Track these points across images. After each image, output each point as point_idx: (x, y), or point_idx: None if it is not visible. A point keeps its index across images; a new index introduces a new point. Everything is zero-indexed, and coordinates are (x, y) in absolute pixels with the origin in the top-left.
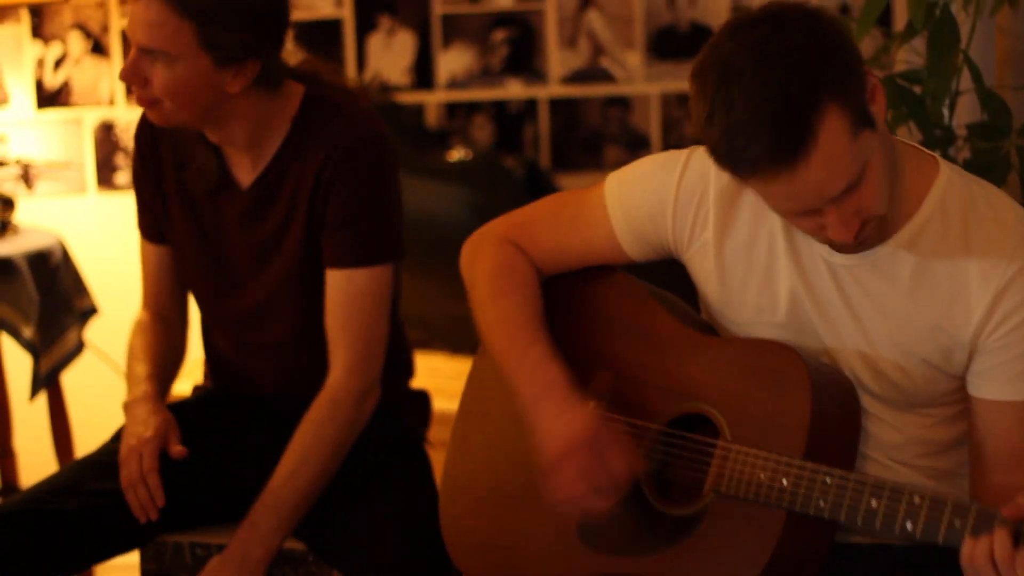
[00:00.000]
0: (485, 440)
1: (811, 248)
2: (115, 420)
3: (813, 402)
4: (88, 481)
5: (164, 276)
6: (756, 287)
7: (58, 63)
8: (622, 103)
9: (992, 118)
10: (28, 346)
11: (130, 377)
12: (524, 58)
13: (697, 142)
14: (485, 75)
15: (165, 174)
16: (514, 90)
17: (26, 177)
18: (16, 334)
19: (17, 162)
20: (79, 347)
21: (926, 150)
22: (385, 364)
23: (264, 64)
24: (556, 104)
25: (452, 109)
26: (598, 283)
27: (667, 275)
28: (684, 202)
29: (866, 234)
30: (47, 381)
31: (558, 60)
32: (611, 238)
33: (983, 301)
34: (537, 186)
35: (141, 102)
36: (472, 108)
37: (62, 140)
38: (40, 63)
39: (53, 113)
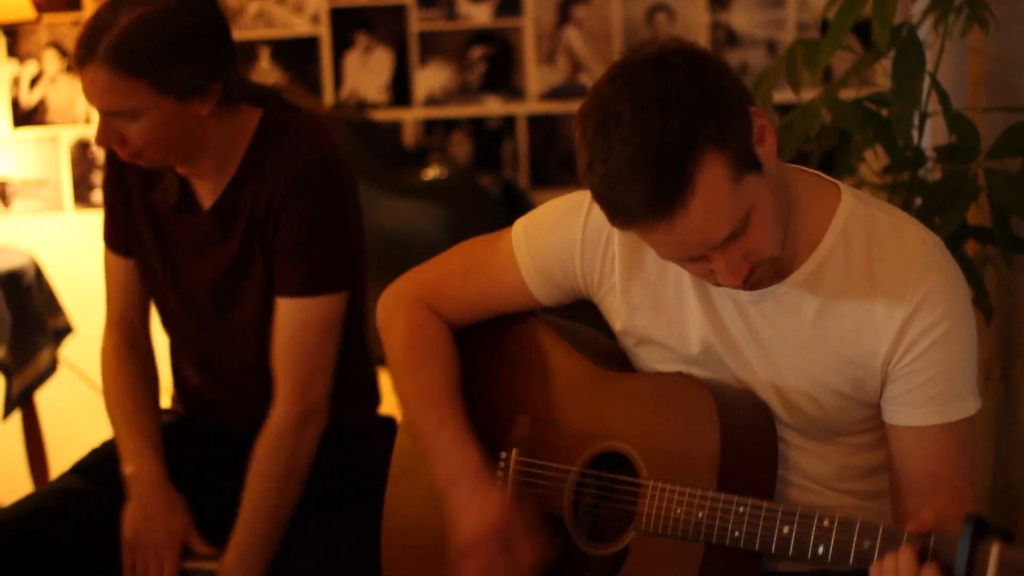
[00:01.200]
0: (419, 498)
1: (717, 287)
2: (90, 436)
3: (723, 434)
4: (41, 514)
5: (130, 289)
6: (666, 325)
7: (34, 82)
8: None
9: (960, 140)
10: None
11: (124, 441)
12: (502, 75)
13: None
14: (463, 92)
15: (132, 189)
16: (492, 107)
17: (2, 195)
18: None
19: None
20: (52, 367)
21: (828, 178)
22: (349, 391)
23: (224, 81)
24: (534, 121)
25: (430, 126)
26: (511, 328)
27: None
28: (591, 246)
29: (757, 277)
30: (19, 401)
31: (536, 77)
32: (521, 286)
33: (891, 330)
34: (513, 205)
35: (125, 158)
36: (450, 125)
37: (38, 158)
38: (15, 82)
39: (29, 131)
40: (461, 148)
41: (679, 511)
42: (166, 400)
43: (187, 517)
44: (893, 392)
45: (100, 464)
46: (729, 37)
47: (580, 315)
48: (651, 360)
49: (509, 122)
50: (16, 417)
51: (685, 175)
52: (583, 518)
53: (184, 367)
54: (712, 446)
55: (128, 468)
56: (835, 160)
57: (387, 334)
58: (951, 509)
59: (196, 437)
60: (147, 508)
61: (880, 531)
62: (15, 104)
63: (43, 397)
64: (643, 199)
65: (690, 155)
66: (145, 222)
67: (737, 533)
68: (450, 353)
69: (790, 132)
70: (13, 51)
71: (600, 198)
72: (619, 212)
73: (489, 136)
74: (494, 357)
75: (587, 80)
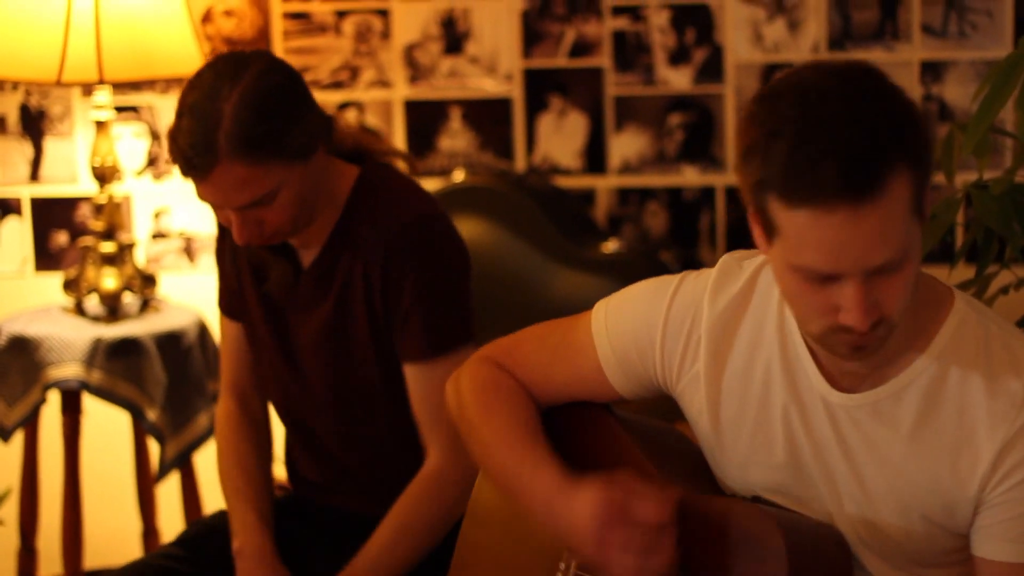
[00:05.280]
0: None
1: (809, 384)
2: None
3: (790, 572)
4: None
5: (243, 352)
6: (751, 423)
7: None
8: None
9: None
10: (151, 429)
11: (233, 510)
12: (701, 144)
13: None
14: (659, 161)
15: (238, 251)
16: (690, 177)
17: (188, 251)
18: (140, 416)
19: (180, 235)
20: (209, 431)
21: (942, 282)
22: None
23: (324, 131)
24: (734, 193)
25: (624, 195)
26: (583, 424)
27: None
28: (673, 331)
29: (875, 340)
30: (174, 464)
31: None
32: (597, 370)
33: (990, 453)
34: None
35: (265, 243)
36: (645, 195)
37: None
38: None
39: None
40: (656, 219)
41: None
42: (281, 469)
43: None
44: (984, 521)
45: (203, 536)
46: (942, 111)
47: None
48: (733, 465)
49: (707, 193)
50: (175, 479)
51: (882, 176)
52: None
53: (293, 446)
54: None
55: (236, 542)
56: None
57: (455, 398)
58: None
59: (306, 517)
60: None
61: None
62: None
63: (201, 459)
64: (837, 176)
65: (891, 162)
66: (251, 288)
67: None
68: (525, 396)
69: (933, 224)
70: None
71: (783, 171)
72: (804, 184)
73: (685, 207)
74: (567, 457)
75: None
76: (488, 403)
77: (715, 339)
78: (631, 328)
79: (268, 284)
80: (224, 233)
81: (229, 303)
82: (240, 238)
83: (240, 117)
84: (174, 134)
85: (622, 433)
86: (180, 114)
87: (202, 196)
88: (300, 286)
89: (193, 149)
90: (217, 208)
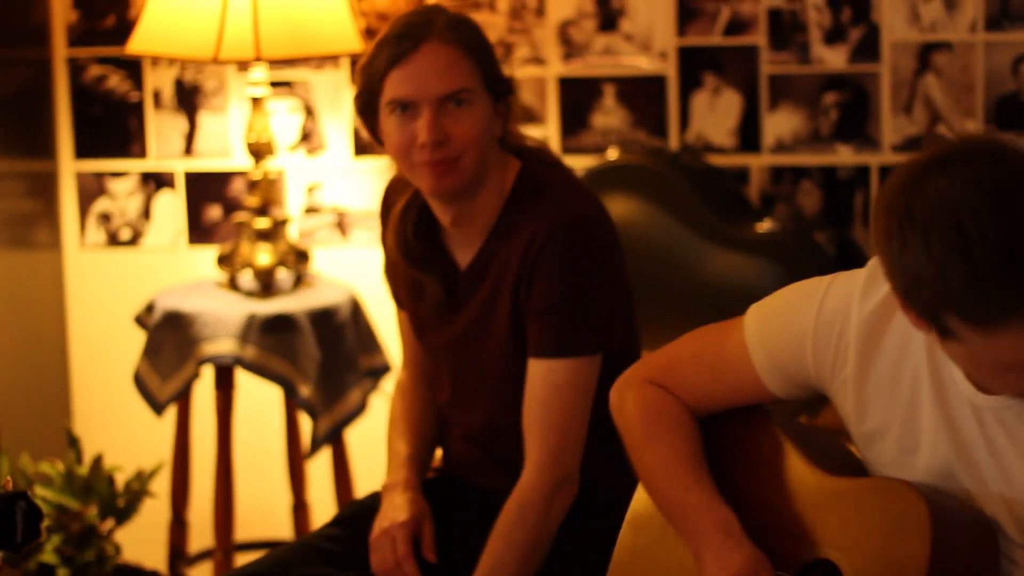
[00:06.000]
0: None
1: (956, 387)
2: None
3: (934, 546)
4: (295, 565)
5: (416, 340)
6: (898, 427)
7: None
8: None
9: None
10: (304, 405)
11: (391, 454)
12: (855, 123)
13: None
14: (814, 140)
15: (397, 265)
16: (844, 156)
17: (341, 226)
18: (293, 392)
19: (332, 210)
20: (361, 407)
21: None
22: (602, 459)
23: (512, 89)
24: (888, 172)
25: (778, 173)
26: (741, 426)
27: None
28: (823, 337)
29: None
30: (325, 440)
31: (892, 126)
32: (754, 377)
33: None
34: (849, 264)
35: (441, 166)
36: (799, 173)
37: (378, 189)
38: None
39: (370, 161)
40: (809, 198)
41: None
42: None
43: (425, 507)
44: None
45: (361, 516)
46: None
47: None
48: (880, 465)
49: (862, 172)
50: (326, 455)
51: None
52: None
53: (447, 429)
54: (921, 559)
55: (387, 479)
56: None
57: (620, 417)
58: None
59: (452, 496)
60: (391, 505)
61: None
62: (356, 133)
63: (353, 435)
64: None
65: None
66: (405, 284)
67: None
68: (689, 422)
69: None
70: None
71: (955, 303)
72: (985, 315)
73: (840, 187)
74: (719, 455)
75: (945, 132)
76: (653, 430)
77: (864, 344)
78: (784, 335)
79: (424, 303)
80: (385, 221)
81: (394, 291)
82: (429, 134)
83: (455, 15)
84: (375, 46)
85: (778, 432)
86: (378, 36)
87: (399, 88)
88: (458, 288)
89: (407, 27)
90: (411, 104)
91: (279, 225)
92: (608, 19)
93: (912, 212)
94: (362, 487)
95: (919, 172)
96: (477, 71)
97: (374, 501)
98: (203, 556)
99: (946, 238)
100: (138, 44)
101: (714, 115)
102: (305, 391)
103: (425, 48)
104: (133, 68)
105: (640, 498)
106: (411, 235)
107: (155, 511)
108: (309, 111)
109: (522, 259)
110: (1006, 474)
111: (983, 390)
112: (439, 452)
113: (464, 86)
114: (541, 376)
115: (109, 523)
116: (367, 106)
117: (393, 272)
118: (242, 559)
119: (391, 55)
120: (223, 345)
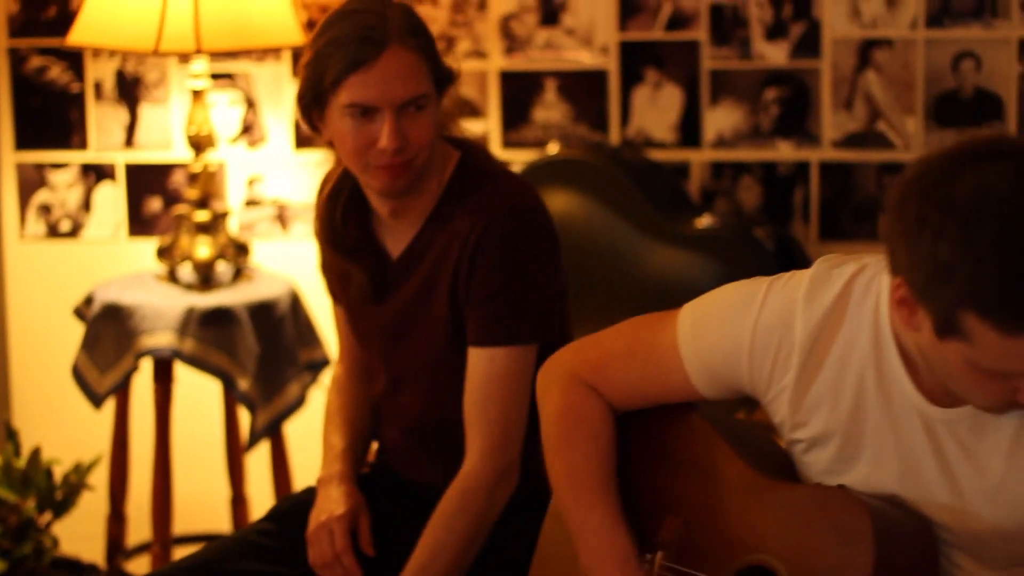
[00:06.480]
0: None
1: (904, 398)
2: None
3: (877, 556)
4: (230, 560)
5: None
6: (840, 436)
7: None
8: (898, 170)
9: None
10: (242, 398)
11: (326, 448)
12: (796, 119)
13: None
14: (754, 135)
15: (328, 256)
16: (784, 152)
17: (281, 219)
18: (232, 385)
19: (273, 203)
20: (300, 401)
21: None
22: (537, 453)
23: (452, 79)
24: (828, 168)
25: (718, 169)
26: (671, 421)
27: None
28: (761, 348)
29: None
30: (264, 434)
31: (832, 122)
32: (684, 379)
33: None
34: (789, 260)
35: (399, 168)
36: (739, 169)
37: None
38: None
39: (311, 154)
40: (750, 194)
41: None
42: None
43: (361, 499)
44: None
45: (296, 511)
46: None
47: None
48: (815, 471)
49: (802, 168)
50: (265, 448)
51: None
52: None
53: (380, 421)
54: (864, 569)
55: (321, 472)
56: None
57: (541, 408)
58: None
59: (386, 489)
60: (327, 498)
61: None
62: (297, 126)
63: (291, 428)
64: None
65: None
66: (335, 272)
67: None
68: (606, 434)
69: None
70: (297, 72)
71: (996, 299)
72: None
73: (780, 182)
74: (649, 450)
75: (885, 128)
76: (570, 436)
77: (808, 352)
78: (718, 343)
79: (352, 290)
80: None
81: (328, 284)
82: (391, 141)
83: (407, 12)
84: (323, 46)
85: (711, 430)
86: (330, 26)
87: (360, 93)
88: (389, 276)
89: (366, 29)
90: (372, 108)
91: (219, 218)
92: (550, 13)
93: (953, 201)
94: (301, 480)
95: (956, 161)
96: (431, 73)
97: (308, 496)
98: (141, 549)
99: (990, 231)
100: (79, 35)
101: (655, 110)
102: (244, 384)
103: (388, 54)
104: (74, 59)
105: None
106: (340, 223)
107: (93, 504)
108: (250, 103)
109: (462, 248)
110: (955, 484)
111: (935, 402)
112: (374, 445)
113: (424, 91)
114: (483, 365)
115: (47, 516)
116: (315, 103)
117: (327, 264)
118: (180, 552)
119: (351, 58)
120: (162, 338)
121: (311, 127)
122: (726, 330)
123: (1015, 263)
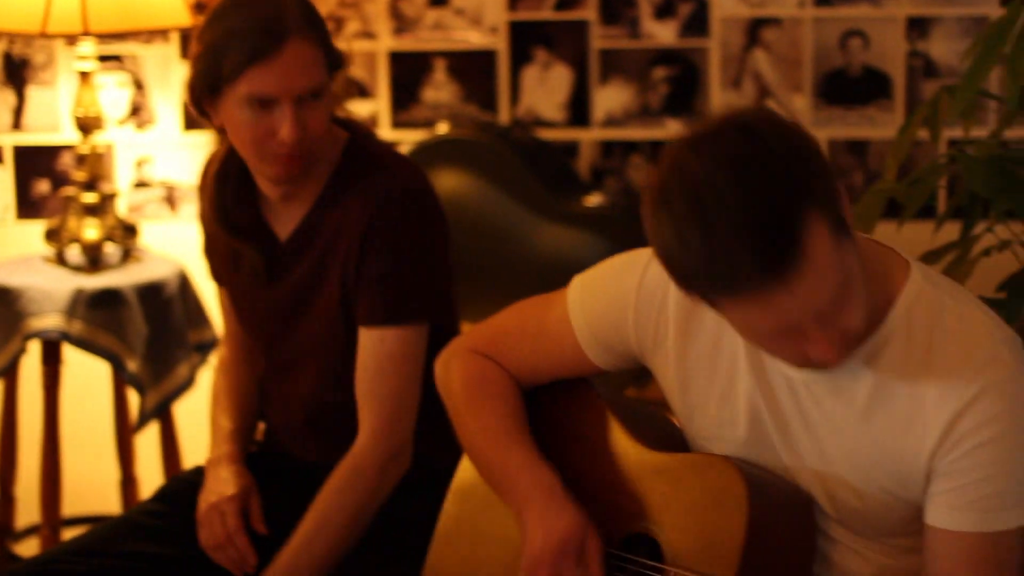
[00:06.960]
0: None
1: (772, 360)
2: None
3: (750, 523)
4: (118, 542)
5: (235, 317)
6: (717, 399)
7: None
8: None
9: None
10: (131, 380)
11: (214, 429)
12: (685, 98)
13: None
14: (643, 114)
15: (216, 233)
16: (673, 130)
17: (170, 200)
18: (120, 367)
19: (161, 184)
20: (189, 381)
21: (900, 254)
22: (430, 431)
23: (343, 61)
24: None
25: (608, 148)
26: (565, 397)
27: None
28: (644, 309)
29: (848, 352)
30: (153, 415)
31: (721, 101)
32: (577, 350)
33: (940, 421)
34: None
35: (296, 160)
36: (629, 148)
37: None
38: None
39: (199, 135)
40: (639, 172)
41: None
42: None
43: (250, 481)
44: (934, 489)
45: (184, 491)
46: (927, 67)
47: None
48: (701, 438)
49: None
50: (154, 429)
51: (796, 240)
52: None
53: (264, 399)
54: (737, 535)
55: (210, 454)
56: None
57: (445, 386)
58: None
59: (274, 469)
60: (216, 479)
61: None
62: (186, 107)
63: (180, 408)
64: (756, 269)
65: (798, 219)
66: (223, 255)
67: None
68: (513, 393)
69: (916, 188)
70: (187, 53)
71: (699, 274)
72: (725, 286)
73: None
74: (547, 426)
75: (774, 106)
76: (477, 398)
77: (683, 318)
78: (604, 305)
79: (241, 272)
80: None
81: (212, 267)
82: (294, 133)
83: (303, 5)
84: (220, 36)
85: (602, 404)
86: (224, 14)
87: (261, 85)
88: (278, 257)
89: (262, 21)
90: (272, 100)
91: (107, 199)
92: None
93: (662, 190)
94: (190, 461)
95: (674, 152)
96: (326, 61)
97: (196, 475)
98: (30, 531)
99: (684, 207)
100: None
101: (544, 89)
102: (133, 366)
103: (289, 47)
104: None
105: (465, 467)
106: (231, 203)
107: None
108: (138, 85)
109: (353, 231)
110: (820, 447)
111: (799, 365)
112: (261, 426)
113: (323, 81)
114: (373, 345)
115: None
116: (208, 92)
117: (212, 246)
118: (69, 534)
119: (251, 51)
120: (50, 320)
121: (201, 114)
122: (612, 293)
123: (711, 231)
